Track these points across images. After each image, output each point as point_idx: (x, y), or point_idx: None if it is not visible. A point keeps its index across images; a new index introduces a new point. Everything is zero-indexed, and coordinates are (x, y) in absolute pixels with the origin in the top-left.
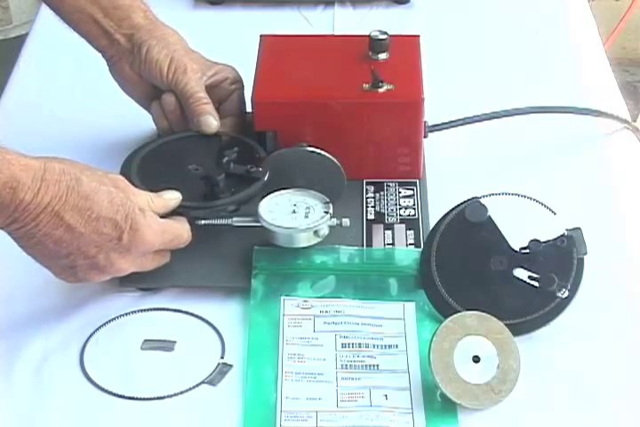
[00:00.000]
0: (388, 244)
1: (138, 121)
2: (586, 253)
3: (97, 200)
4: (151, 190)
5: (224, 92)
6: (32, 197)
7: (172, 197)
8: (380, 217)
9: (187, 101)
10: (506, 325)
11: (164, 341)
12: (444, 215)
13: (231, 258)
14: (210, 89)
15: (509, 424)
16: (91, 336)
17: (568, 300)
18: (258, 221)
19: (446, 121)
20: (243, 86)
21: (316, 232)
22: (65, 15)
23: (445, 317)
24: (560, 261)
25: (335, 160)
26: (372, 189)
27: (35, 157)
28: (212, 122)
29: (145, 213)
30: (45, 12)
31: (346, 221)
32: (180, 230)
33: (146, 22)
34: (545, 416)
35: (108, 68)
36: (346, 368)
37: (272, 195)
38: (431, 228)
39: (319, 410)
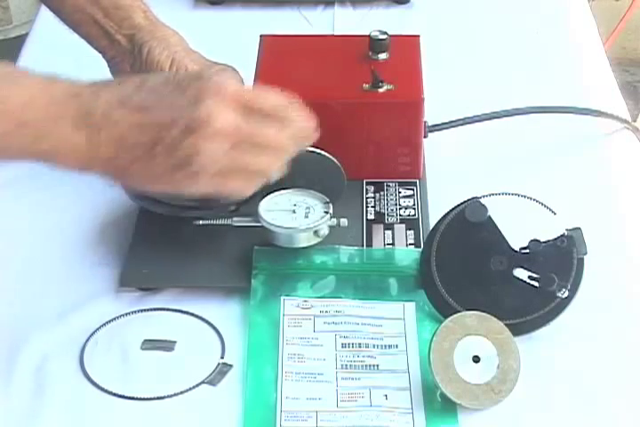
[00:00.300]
0: (388, 244)
1: None
2: (586, 253)
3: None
4: (151, 190)
5: None
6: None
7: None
8: (380, 217)
9: None
10: (506, 325)
11: (164, 341)
12: (444, 215)
13: (231, 258)
14: None
15: (509, 424)
16: (91, 336)
17: (568, 300)
18: (258, 221)
19: (446, 121)
20: (242, 82)
21: (316, 232)
22: (65, 16)
23: (445, 317)
24: (560, 261)
25: (335, 160)
26: (371, 189)
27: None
28: None
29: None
30: (45, 12)
31: (344, 221)
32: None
33: (146, 23)
34: (545, 416)
35: (109, 69)
36: (346, 368)
37: (272, 195)
38: (431, 228)
39: (319, 410)
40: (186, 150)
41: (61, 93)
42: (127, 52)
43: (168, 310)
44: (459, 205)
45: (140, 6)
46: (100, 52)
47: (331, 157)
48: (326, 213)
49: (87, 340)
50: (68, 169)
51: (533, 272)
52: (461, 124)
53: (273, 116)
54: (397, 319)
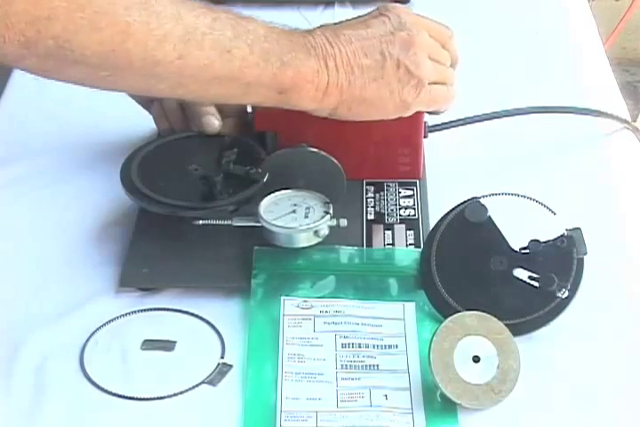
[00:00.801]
0: (388, 244)
1: (138, 121)
2: (586, 253)
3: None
4: (151, 190)
5: None
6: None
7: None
8: (380, 217)
9: (188, 103)
10: (506, 325)
11: (164, 341)
12: (444, 215)
13: (231, 258)
14: None
15: (509, 424)
16: (91, 336)
17: (568, 300)
18: (258, 221)
19: (446, 121)
20: None
21: (316, 232)
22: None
23: (445, 317)
24: (560, 261)
25: (335, 160)
26: (372, 189)
27: None
28: (213, 122)
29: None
30: None
31: (343, 221)
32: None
33: None
34: (545, 416)
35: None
36: (346, 368)
37: (272, 195)
38: (431, 228)
39: (319, 410)
40: (410, 62)
41: (281, 32)
42: None
43: (168, 310)
44: (459, 205)
45: None
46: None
47: (331, 157)
48: (326, 213)
49: (87, 340)
50: (305, 105)
51: (533, 272)
52: (461, 124)
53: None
54: (397, 319)
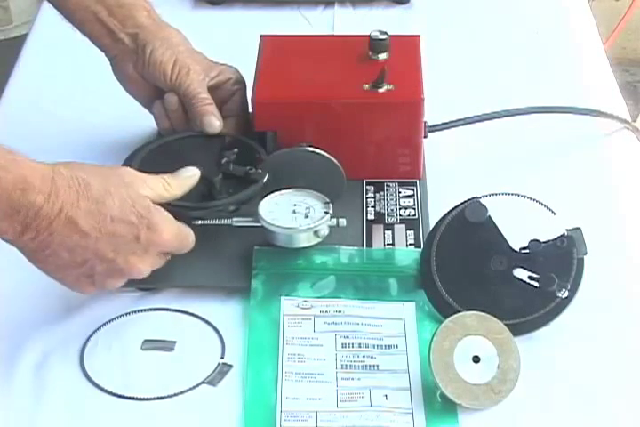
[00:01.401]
0: (388, 244)
1: (138, 121)
2: (586, 253)
3: (109, 203)
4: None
5: (226, 92)
6: (43, 200)
7: (190, 175)
8: (380, 217)
9: (190, 102)
10: (506, 325)
11: (164, 341)
12: (444, 215)
13: (231, 258)
14: (212, 90)
15: (509, 424)
16: (91, 336)
17: (568, 300)
18: (258, 221)
19: (446, 121)
20: (245, 87)
21: (316, 232)
22: (68, 13)
23: (445, 317)
24: (560, 261)
25: (335, 160)
26: (372, 189)
27: (40, 162)
28: (214, 122)
29: (160, 211)
30: (45, 12)
31: (342, 221)
32: (190, 234)
33: (149, 22)
34: (545, 416)
35: (112, 68)
36: (346, 368)
37: (272, 195)
38: (431, 228)
39: (319, 410)
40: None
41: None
42: (130, 51)
43: (168, 310)
44: (459, 205)
45: (143, 5)
46: (102, 50)
47: (331, 157)
48: (326, 213)
49: (87, 340)
50: None
51: (533, 272)
52: (461, 124)
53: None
54: (397, 319)
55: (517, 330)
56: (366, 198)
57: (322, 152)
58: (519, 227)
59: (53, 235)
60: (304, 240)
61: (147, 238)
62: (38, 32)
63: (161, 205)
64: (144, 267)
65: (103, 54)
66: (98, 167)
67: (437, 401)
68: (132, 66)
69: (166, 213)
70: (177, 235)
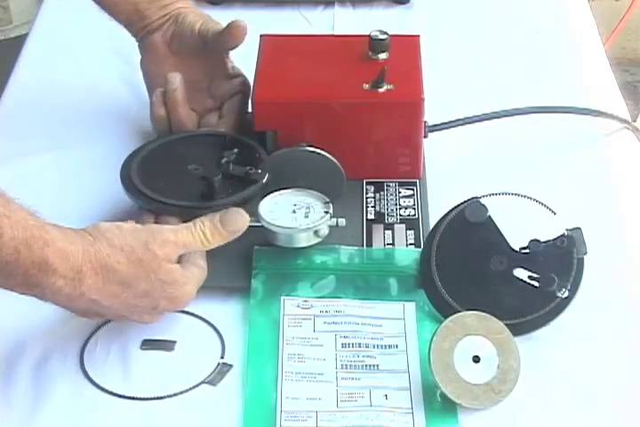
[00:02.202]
0: (388, 244)
1: (138, 121)
2: (586, 253)
3: (134, 285)
4: (151, 190)
5: (232, 88)
6: (64, 284)
7: (236, 229)
8: (380, 217)
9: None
10: (506, 325)
11: (164, 341)
12: (444, 215)
13: (231, 258)
14: (229, 79)
15: (509, 424)
16: (91, 336)
17: (568, 300)
18: (258, 221)
19: (446, 121)
20: (249, 89)
21: (316, 232)
22: None
23: (445, 317)
24: (560, 261)
25: (335, 160)
26: (371, 189)
27: (73, 231)
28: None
29: (186, 282)
30: (45, 12)
31: (342, 221)
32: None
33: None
34: (545, 416)
35: (138, 44)
36: (346, 368)
37: (272, 195)
38: (431, 228)
39: (319, 410)
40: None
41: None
42: (159, 23)
43: None
44: (459, 205)
45: None
46: (129, 26)
47: (331, 157)
48: (326, 213)
49: (87, 340)
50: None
51: (533, 272)
52: (461, 124)
53: None
54: (397, 319)
55: (517, 330)
56: (366, 198)
57: (322, 152)
58: (519, 227)
59: (72, 304)
60: (304, 240)
61: (164, 307)
62: (38, 32)
63: (163, 206)
64: (154, 320)
65: (103, 54)
66: (126, 231)
67: (437, 401)
68: (161, 35)
69: (189, 288)
70: (192, 297)
